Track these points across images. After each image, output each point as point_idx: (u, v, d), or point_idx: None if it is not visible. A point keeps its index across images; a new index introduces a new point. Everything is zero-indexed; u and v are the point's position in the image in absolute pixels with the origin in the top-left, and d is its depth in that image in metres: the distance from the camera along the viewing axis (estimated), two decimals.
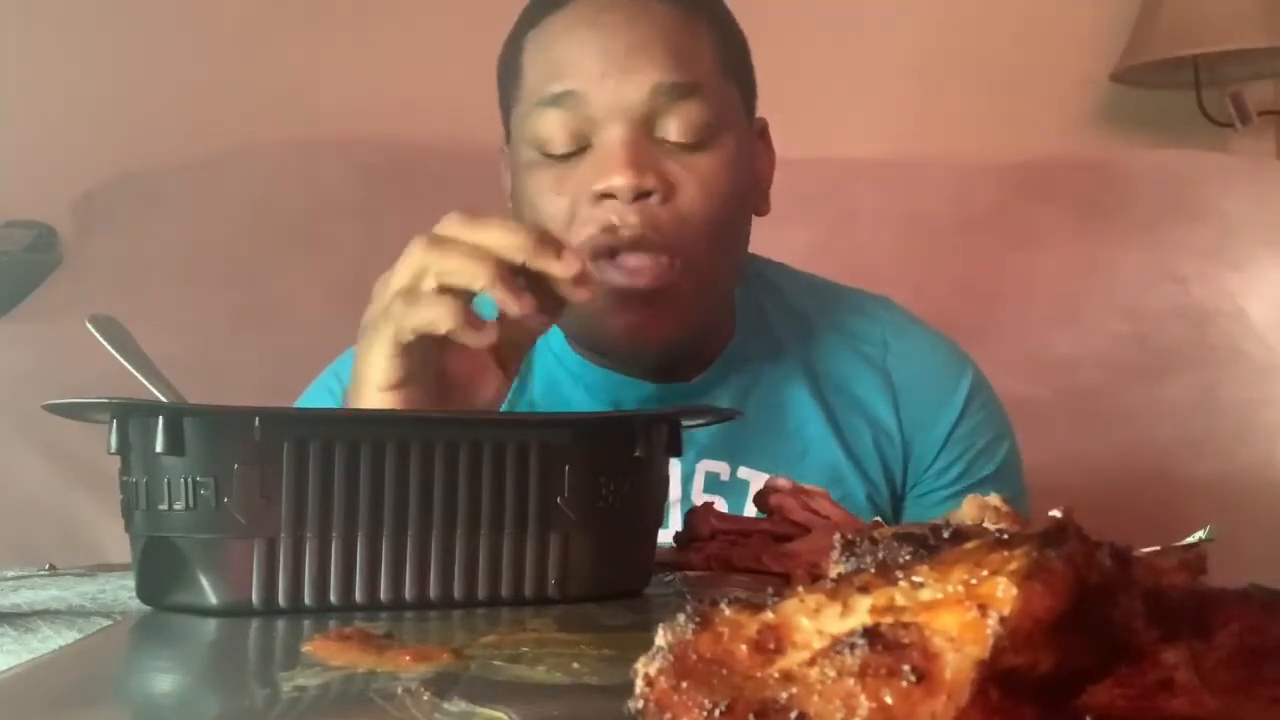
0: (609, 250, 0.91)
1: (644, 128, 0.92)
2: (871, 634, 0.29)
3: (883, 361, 1.05)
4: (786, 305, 1.07)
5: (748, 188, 0.99)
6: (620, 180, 0.90)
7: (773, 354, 1.04)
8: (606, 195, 0.91)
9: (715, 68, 0.96)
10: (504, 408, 1.01)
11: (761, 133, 1.05)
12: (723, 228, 0.95)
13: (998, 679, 0.29)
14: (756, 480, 1.00)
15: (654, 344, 0.95)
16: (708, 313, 0.98)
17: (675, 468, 0.99)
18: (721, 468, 1.01)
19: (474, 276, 0.74)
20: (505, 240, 0.75)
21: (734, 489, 1.01)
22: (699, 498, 0.99)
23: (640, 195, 0.90)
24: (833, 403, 1.03)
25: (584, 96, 0.92)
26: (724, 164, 0.94)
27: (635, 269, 0.91)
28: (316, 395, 1.07)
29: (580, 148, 0.93)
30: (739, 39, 1.02)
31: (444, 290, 0.75)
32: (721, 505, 0.98)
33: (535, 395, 1.04)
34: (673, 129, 0.92)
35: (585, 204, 0.92)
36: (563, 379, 1.04)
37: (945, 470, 1.03)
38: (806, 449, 1.02)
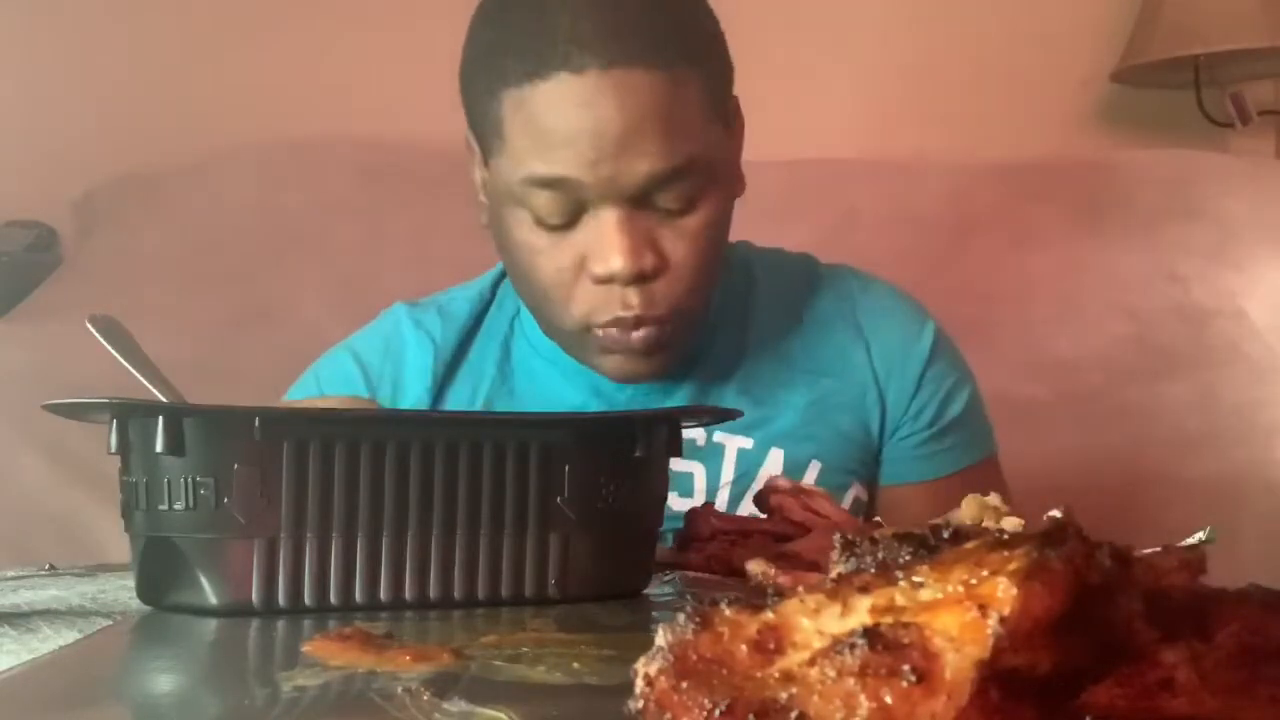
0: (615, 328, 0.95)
1: (637, 204, 0.93)
2: (871, 634, 0.29)
3: (854, 316, 1.09)
4: (764, 280, 1.11)
5: (731, 206, 1.01)
6: (619, 265, 0.92)
7: (750, 325, 1.08)
8: (606, 280, 0.94)
9: (702, 119, 0.94)
10: (484, 398, 1.04)
11: (734, 110, 1.04)
12: (712, 270, 0.99)
13: (998, 679, 0.29)
14: (730, 443, 1.04)
15: (641, 380, 1.00)
16: (694, 337, 1.02)
17: None
18: (697, 433, 1.04)
19: None
20: None
21: (710, 453, 1.04)
22: (676, 463, 1.02)
23: (639, 277, 0.93)
24: (803, 363, 1.07)
25: (578, 182, 0.91)
26: (713, 216, 0.96)
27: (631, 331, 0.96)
28: (296, 398, 1.08)
29: (574, 218, 0.94)
30: (713, 34, 0.98)
31: None
32: (700, 470, 1.03)
33: (516, 385, 1.07)
34: (664, 200, 0.93)
35: (585, 280, 0.94)
36: (540, 368, 1.07)
37: (921, 412, 1.07)
38: (778, 409, 1.05)
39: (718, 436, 1.04)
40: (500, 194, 0.98)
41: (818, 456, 1.04)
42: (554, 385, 1.06)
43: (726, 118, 1.00)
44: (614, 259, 0.92)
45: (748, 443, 1.04)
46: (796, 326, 1.09)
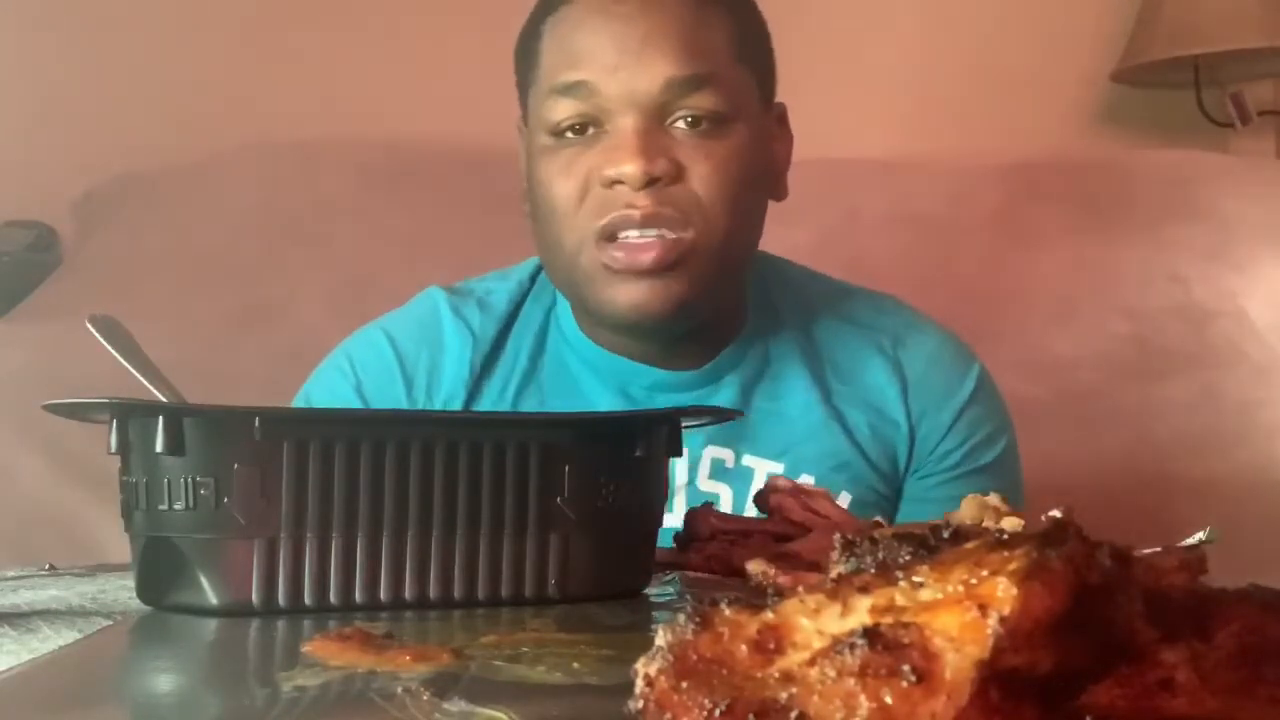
0: (621, 230, 0.93)
1: (656, 117, 0.94)
2: (871, 634, 0.29)
3: (894, 353, 1.08)
4: (799, 297, 1.10)
5: (761, 174, 1.01)
6: (630, 167, 0.92)
7: (781, 343, 1.07)
8: (617, 182, 0.93)
9: (729, 56, 0.97)
10: (514, 390, 1.03)
11: (780, 118, 1.07)
12: (735, 211, 0.96)
13: (998, 679, 0.29)
14: (760, 467, 1.02)
15: (658, 317, 0.96)
16: (715, 291, 0.99)
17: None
18: (726, 454, 1.03)
19: None
20: None
21: (738, 475, 1.03)
22: (704, 483, 1.02)
23: (650, 182, 0.92)
24: (836, 390, 1.06)
25: (596, 87, 0.94)
26: (736, 151, 0.96)
27: (639, 246, 0.93)
28: (329, 377, 1.07)
29: (592, 133, 0.95)
30: (757, 24, 1.03)
31: None
32: (727, 492, 1.01)
33: (545, 377, 1.05)
34: (684, 119, 0.94)
35: (596, 187, 0.94)
36: (572, 363, 1.05)
37: (947, 455, 1.06)
38: (810, 435, 1.04)
39: (747, 459, 1.03)
40: (532, 137, 0.99)
41: (848, 488, 1.03)
42: (584, 382, 1.04)
43: (766, 91, 1.02)
44: (626, 162, 0.92)
45: (778, 467, 1.02)
46: (833, 354, 1.07)
